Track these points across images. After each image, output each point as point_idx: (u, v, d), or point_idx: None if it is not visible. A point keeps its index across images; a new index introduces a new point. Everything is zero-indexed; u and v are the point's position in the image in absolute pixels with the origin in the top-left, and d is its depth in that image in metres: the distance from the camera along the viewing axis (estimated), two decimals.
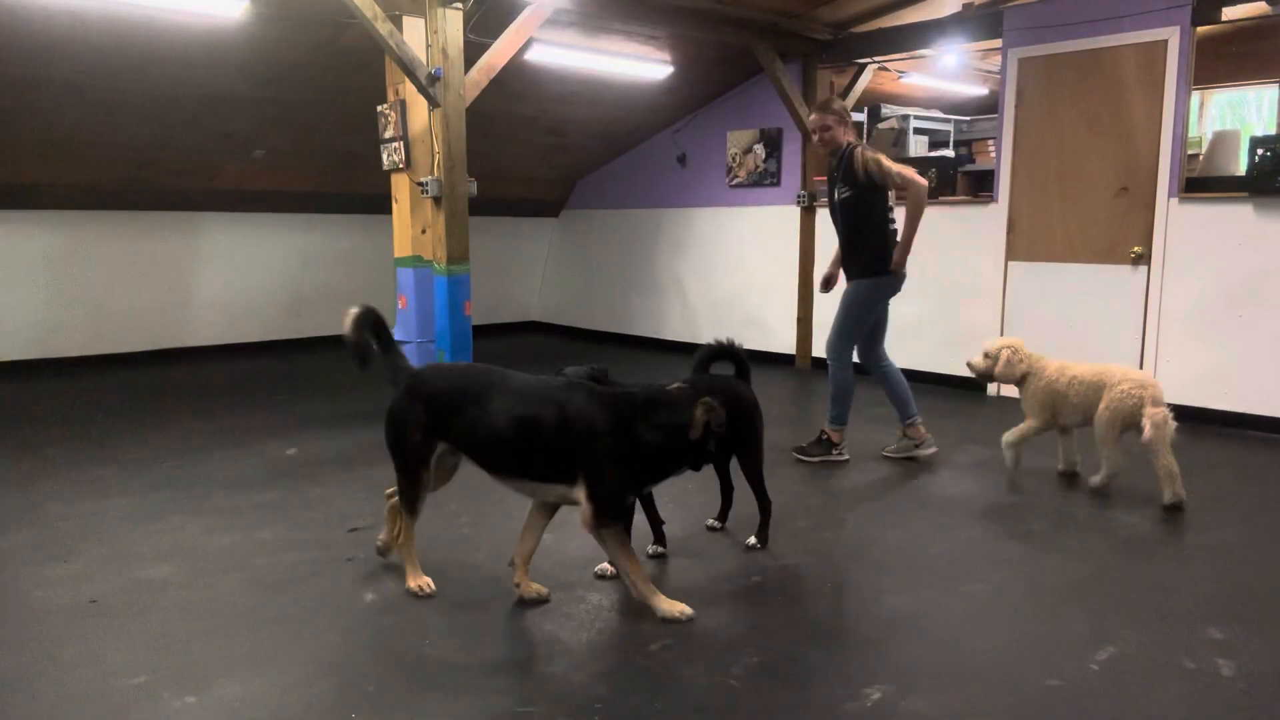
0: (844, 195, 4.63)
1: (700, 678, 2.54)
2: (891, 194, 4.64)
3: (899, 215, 4.64)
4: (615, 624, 2.89)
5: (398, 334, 5.89)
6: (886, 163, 4.48)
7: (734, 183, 8.10)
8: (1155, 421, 3.96)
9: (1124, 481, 4.42)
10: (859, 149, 4.54)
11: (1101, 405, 4.13)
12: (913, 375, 6.89)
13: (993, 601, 3.06)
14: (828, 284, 5.05)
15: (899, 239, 4.63)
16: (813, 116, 4.70)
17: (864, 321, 4.76)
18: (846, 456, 4.78)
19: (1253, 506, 4.08)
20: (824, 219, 7.42)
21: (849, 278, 4.77)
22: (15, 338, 7.08)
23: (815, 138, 4.71)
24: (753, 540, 3.52)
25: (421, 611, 2.96)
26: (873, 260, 4.65)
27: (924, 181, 4.57)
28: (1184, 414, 5.55)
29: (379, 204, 6.32)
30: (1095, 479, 4.28)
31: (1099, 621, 2.89)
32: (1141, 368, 5.73)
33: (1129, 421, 4.06)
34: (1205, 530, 3.74)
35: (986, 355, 4.46)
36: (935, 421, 5.67)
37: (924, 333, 6.83)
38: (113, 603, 3.01)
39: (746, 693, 2.46)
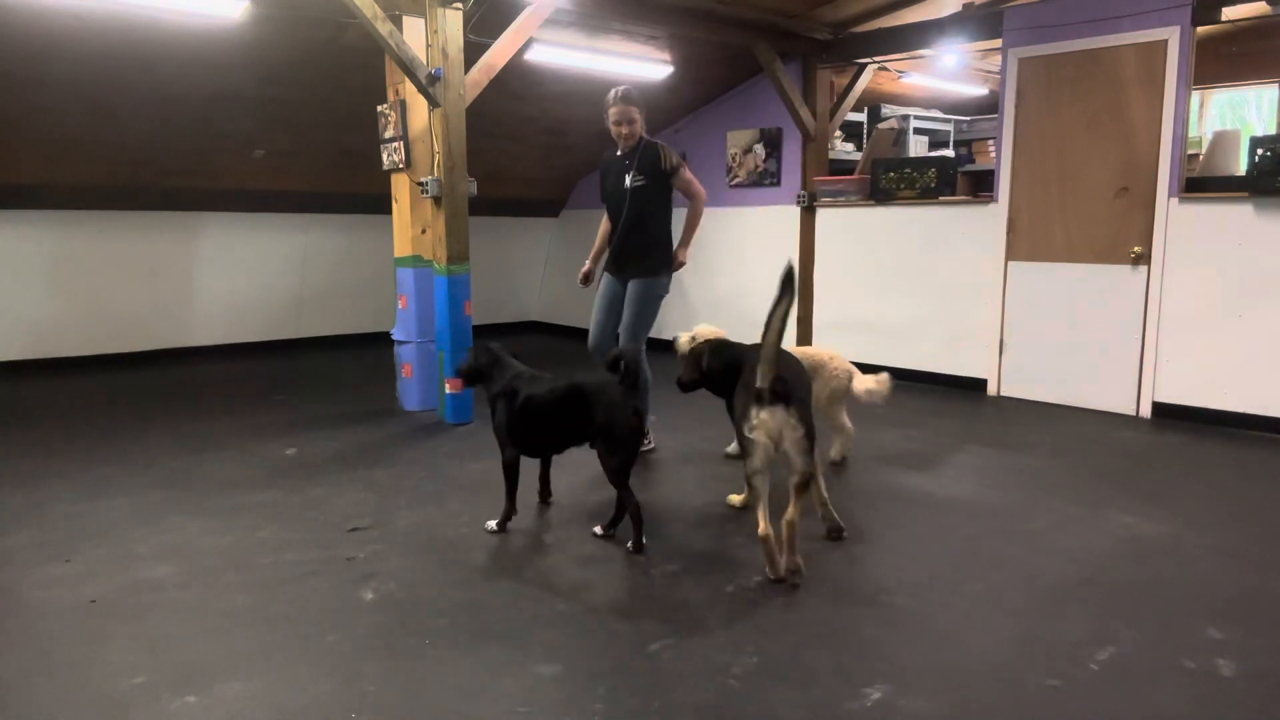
0: (638, 184, 4.63)
1: (700, 678, 2.54)
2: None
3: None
4: (615, 624, 2.89)
5: (397, 334, 5.90)
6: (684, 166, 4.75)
7: (734, 183, 8.10)
8: (878, 382, 4.53)
9: (1123, 482, 4.42)
10: (661, 144, 4.68)
11: (818, 385, 4.42)
12: (913, 375, 6.94)
13: (993, 601, 3.06)
14: (588, 279, 5.04)
15: (682, 237, 4.84)
16: (618, 108, 4.55)
17: (656, 316, 4.85)
18: (654, 446, 4.96)
19: (1253, 506, 4.08)
20: (825, 218, 7.44)
21: (634, 273, 4.74)
22: (15, 338, 7.09)
23: (622, 130, 4.58)
24: (598, 529, 3.63)
25: (421, 611, 2.96)
26: (664, 255, 4.75)
27: (704, 192, 4.88)
28: (1184, 414, 5.58)
29: (379, 204, 6.32)
30: (833, 452, 4.63)
31: (1099, 621, 2.90)
32: (1141, 368, 5.73)
33: (843, 394, 4.54)
34: (1205, 530, 3.74)
35: (694, 338, 4.41)
36: (935, 421, 5.68)
37: (924, 333, 6.83)
38: (113, 603, 3.01)
39: (746, 693, 2.46)
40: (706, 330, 4.48)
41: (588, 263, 5.05)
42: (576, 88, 7.29)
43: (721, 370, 3.75)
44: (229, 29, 5.43)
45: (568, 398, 3.53)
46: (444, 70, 5.17)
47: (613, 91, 4.62)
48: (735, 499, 3.98)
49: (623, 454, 3.45)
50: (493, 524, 3.72)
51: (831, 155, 7.71)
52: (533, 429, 3.64)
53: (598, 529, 3.64)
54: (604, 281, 4.91)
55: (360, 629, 2.84)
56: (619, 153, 4.74)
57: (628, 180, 4.65)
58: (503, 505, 3.72)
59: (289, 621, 2.88)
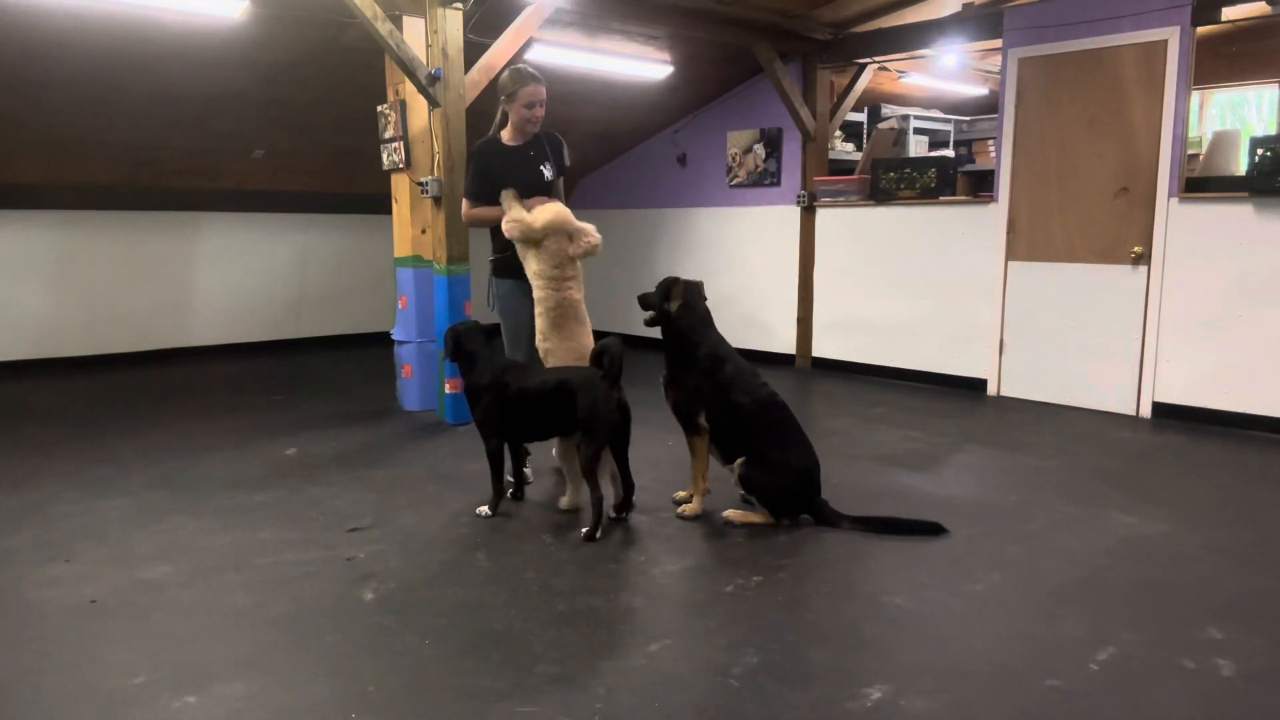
0: (551, 178, 4.33)
1: (700, 678, 2.54)
2: None
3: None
4: (615, 624, 2.89)
5: (397, 334, 5.90)
6: None
7: (734, 183, 8.10)
8: None
9: (1123, 482, 4.42)
10: (558, 134, 4.45)
11: None
12: (913, 375, 6.95)
13: (993, 601, 3.06)
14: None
15: None
16: (533, 88, 4.11)
17: None
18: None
19: (1253, 506, 4.08)
20: (825, 218, 7.44)
21: None
22: (15, 338, 7.09)
23: (536, 112, 4.18)
24: (584, 530, 3.69)
25: (421, 611, 2.96)
26: None
27: None
28: (1184, 414, 5.58)
29: (379, 204, 6.32)
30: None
31: (1099, 621, 2.90)
32: (1141, 368, 5.73)
33: None
34: (1205, 530, 3.74)
35: None
36: (935, 421, 5.68)
37: (924, 333, 6.83)
38: (113, 603, 3.01)
39: (746, 693, 2.46)
40: None
41: (508, 220, 4.14)
42: (576, 88, 7.29)
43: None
44: (229, 29, 5.42)
45: (555, 391, 3.66)
46: (444, 70, 5.17)
47: (524, 69, 4.16)
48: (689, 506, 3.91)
49: (600, 445, 3.61)
50: (484, 509, 3.88)
51: (831, 155, 7.71)
52: (520, 420, 3.81)
53: (611, 511, 3.80)
54: (515, 295, 4.33)
55: (360, 629, 2.84)
56: (512, 142, 4.29)
57: (547, 173, 4.31)
58: (491, 491, 3.92)
59: (289, 621, 2.88)
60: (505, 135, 4.33)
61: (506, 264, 4.33)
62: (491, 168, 4.28)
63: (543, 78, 4.21)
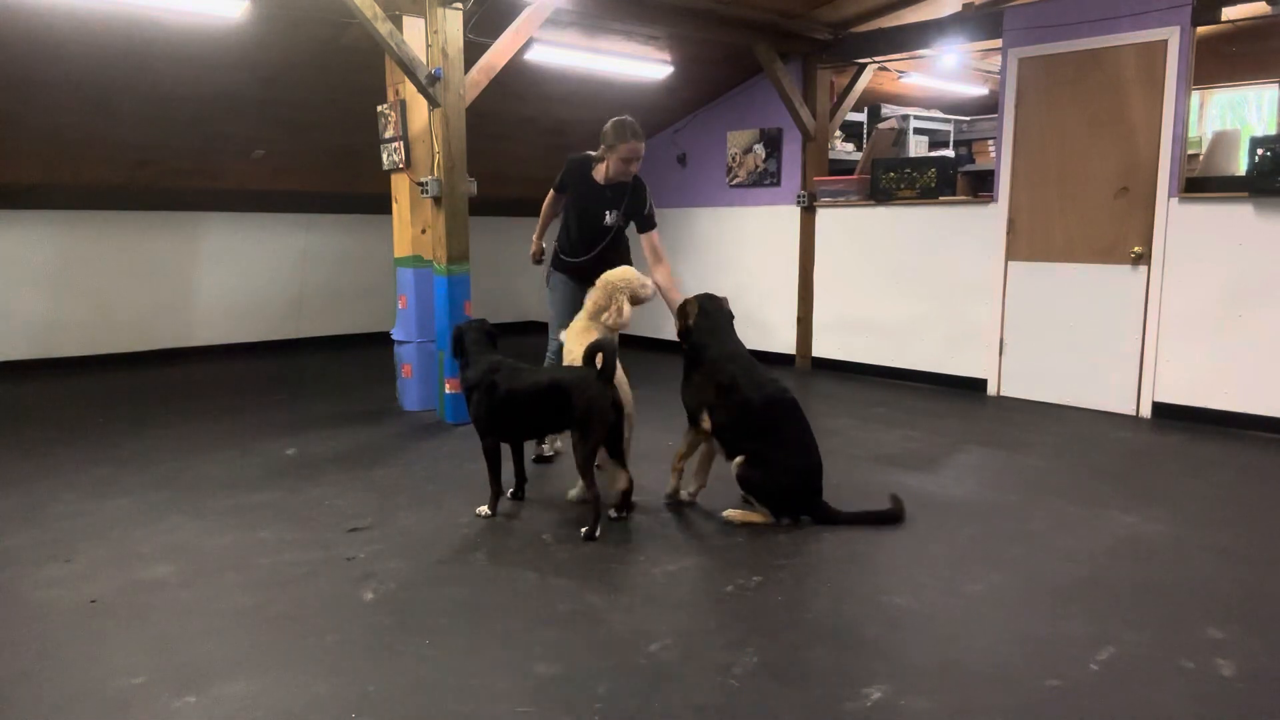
0: (619, 224, 4.65)
1: (700, 678, 2.54)
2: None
3: None
4: (615, 624, 2.89)
5: (397, 334, 5.91)
6: None
7: (734, 183, 8.10)
8: None
9: (1123, 482, 4.42)
10: (646, 186, 4.66)
11: None
12: (913, 375, 6.95)
13: (993, 601, 3.06)
14: (539, 258, 5.11)
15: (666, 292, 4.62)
16: (633, 145, 4.39)
17: None
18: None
19: (1253, 506, 4.08)
20: (825, 218, 7.44)
21: None
22: (16, 338, 7.09)
23: (631, 168, 4.47)
24: (612, 513, 3.85)
25: (421, 611, 2.96)
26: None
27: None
28: (1184, 414, 5.58)
29: (379, 204, 6.32)
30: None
31: (1099, 621, 2.90)
32: (1141, 368, 5.73)
33: None
34: (1205, 530, 3.74)
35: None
36: (935, 421, 5.68)
37: (924, 333, 6.83)
38: (113, 603, 3.01)
39: (746, 693, 2.46)
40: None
41: (536, 240, 5.04)
42: (576, 88, 7.30)
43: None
44: (229, 29, 5.43)
45: (549, 390, 3.66)
46: (444, 70, 5.17)
47: (629, 124, 4.39)
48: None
49: (595, 444, 3.63)
50: (484, 509, 3.89)
51: (831, 155, 7.71)
52: (512, 419, 3.81)
53: (611, 512, 3.83)
54: (565, 286, 4.85)
55: (360, 629, 2.84)
56: (598, 178, 4.56)
57: (608, 218, 4.60)
58: (489, 491, 3.92)
59: (289, 621, 2.88)
60: (598, 169, 4.56)
61: (575, 265, 4.70)
62: (570, 184, 4.67)
63: (643, 133, 4.41)
